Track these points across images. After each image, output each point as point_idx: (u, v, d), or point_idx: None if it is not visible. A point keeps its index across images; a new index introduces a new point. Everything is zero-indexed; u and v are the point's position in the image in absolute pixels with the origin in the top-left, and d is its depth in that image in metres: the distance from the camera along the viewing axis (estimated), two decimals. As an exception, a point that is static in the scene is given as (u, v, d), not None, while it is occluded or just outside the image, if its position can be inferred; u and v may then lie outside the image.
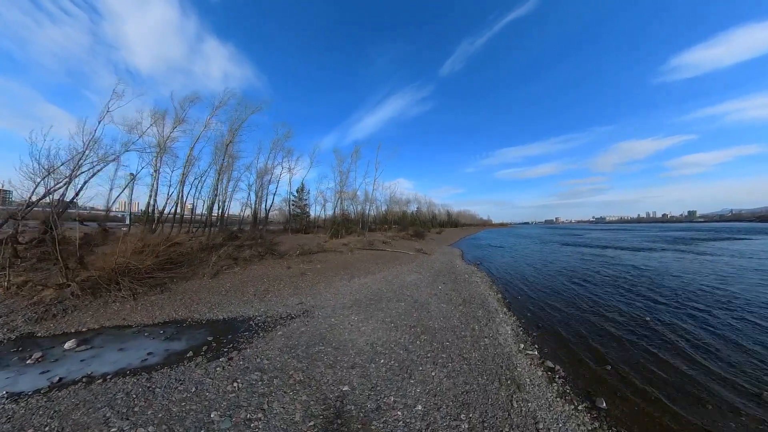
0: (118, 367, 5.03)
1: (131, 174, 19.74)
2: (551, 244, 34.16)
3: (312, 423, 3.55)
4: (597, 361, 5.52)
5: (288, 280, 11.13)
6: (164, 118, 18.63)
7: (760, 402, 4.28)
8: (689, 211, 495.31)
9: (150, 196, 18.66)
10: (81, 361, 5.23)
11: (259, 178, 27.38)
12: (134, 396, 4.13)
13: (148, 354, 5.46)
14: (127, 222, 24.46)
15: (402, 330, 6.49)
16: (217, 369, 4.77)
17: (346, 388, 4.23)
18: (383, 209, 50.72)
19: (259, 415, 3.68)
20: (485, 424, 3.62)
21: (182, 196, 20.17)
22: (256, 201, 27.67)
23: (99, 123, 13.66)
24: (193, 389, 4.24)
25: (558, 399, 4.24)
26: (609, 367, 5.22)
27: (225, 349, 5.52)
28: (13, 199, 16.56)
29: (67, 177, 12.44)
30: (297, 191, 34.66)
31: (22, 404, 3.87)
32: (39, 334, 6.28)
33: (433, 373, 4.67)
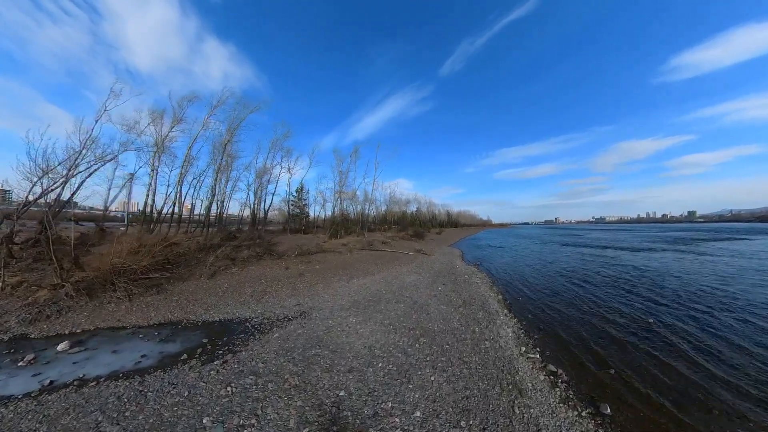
0: (111, 369, 4.94)
1: (131, 174, 19.64)
2: (551, 244, 34.05)
3: (307, 430, 3.44)
4: (600, 364, 5.41)
5: (286, 280, 11.01)
6: (162, 117, 18.55)
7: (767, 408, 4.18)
8: (689, 212, 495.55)
9: (147, 195, 18.56)
10: (74, 363, 5.14)
11: (258, 177, 27.31)
12: (126, 400, 4.02)
13: (142, 356, 5.37)
14: (126, 222, 24.36)
15: (401, 332, 6.37)
16: (211, 372, 4.66)
17: (342, 393, 4.12)
18: (383, 209, 50.63)
19: (253, 421, 3.57)
20: (486, 432, 3.51)
21: (180, 195, 20.07)
22: (255, 201, 27.59)
23: (96, 122, 13.56)
24: (186, 393, 4.13)
25: (561, 405, 4.12)
26: (612, 371, 5.11)
27: (220, 352, 5.41)
28: (12, 198, 16.46)
29: (63, 176, 12.34)
30: (296, 191, 34.56)
31: (11, 408, 3.77)
32: (32, 336, 6.19)
33: (432, 378, 4.55)
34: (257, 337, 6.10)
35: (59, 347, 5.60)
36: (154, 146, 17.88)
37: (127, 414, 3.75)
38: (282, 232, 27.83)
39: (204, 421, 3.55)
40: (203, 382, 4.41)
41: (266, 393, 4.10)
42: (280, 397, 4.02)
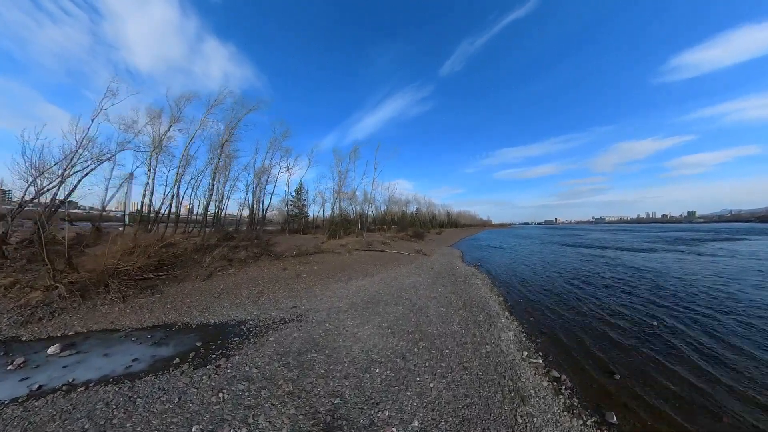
0: (101, 374, 4.82)
1: (130, 173, 19.49)
2: (551, 244, 33.91)
3: (300, 440, 3.30)
4: (604, 369, 5.26)
5: (283, 282, 10.86)
6: (160, 116, 18.39)
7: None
8: (689, 212, 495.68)
9: (144, 195, 18.40)
10: (63, 367, 5.03)
11: (257, 177, 27.14)
12: (114, 406, 3.90)
13: (134, 360, 5.25)
14: (126, 222, 24.22)
15: (399, 336, 6.22)
16: (203, 378, 4.52)
17: (338, 400, 3.97)
18: (382, 209, 50.47)
19: (244, 429, 3.43)
20: (487, 443, 3.37)
21: (178, 195, 19.92)
22: (253, 201, 27.43)
23: (92, 121, 13.43)
24: (176, 400, 3.99)
25: (565, 413, 3.96)
26: (617, 377, 4.96)
27: (213, 356, 5.28)
28: (12, 198, 16.34)
29: (59, 176, 12.22)
30: (295, 191, 34.46)
31: (-4, 414, 3.64)
32: (24, 338, 6.07)
33: (431, 385, 4.40)
34: (252, 340, 5.95)
35: (49, 350, 5.48)
36: (152, 146, 17.73)
37: (114, 421, 3.62)
38: (280, 233, 27.70)
39: (193, 430, 3.42)
40: (195, 387, 4.27)
41: (259, 400, 3.96)
42: (273, 404, 3.87)
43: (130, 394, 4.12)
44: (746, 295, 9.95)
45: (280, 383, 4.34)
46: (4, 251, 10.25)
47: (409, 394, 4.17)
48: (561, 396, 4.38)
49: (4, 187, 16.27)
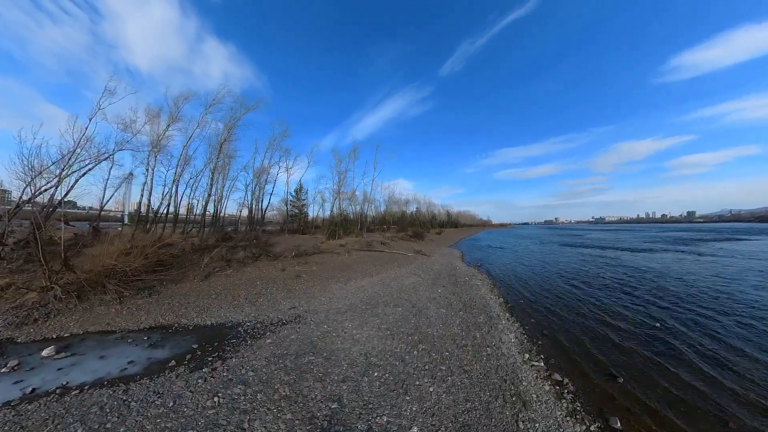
0: (96, 377, 4.76)
1: (130, 173, 19.40)
2: (551, 244, 33.84)
3: (296, 447, 3.22)
4: (606, 372, 5.17)
5: (282, 282, 10.78)
6: (159, 116, 18.28)
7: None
8: (689, 212, 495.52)
9: (142, 195, 18.30)
10: (58, 369, 4.97)
11: (256, 177, 27.03)
12: (108, 410, 3.82)
13: (129, 362, 5.18)
14: (125, 222, 24.13)
15: (398, 338, 6.14)
16: (199, 381, 4.44)
17: (335, 405, 3.88)
18: (382, 209, 50.35)
19: (239, 436, 3.35)
20: (488, 449, 3.29)
21: (177, 195, 19.82)
22: (252, 201, 27.33)
23: (90, 121, 13.33)
24: (171, 404, 3.92)
25: (568, 418, 3.88)
26: (621, 380, 4.87)
27: (209, 359, 5.20)
28: (12, 198, 16.26)
29: (56, 176, 12.13)
30: (295, 191, 34.35)
31: (-13, 419, 3.57)
32: (19, 340, 6.02)
33: (431, 389, 4.31)
34: (249, 342, 5.87)
35: (44, 353, 5.42)
36: (150, 145, 17.64)
37: (108, 426, 3.55)
38: (280, 233, 27.60)
39: (187, 436, 3.34)
40: (190, 391, 4.19)
41: (255, 404, 3.88)
42: (269, 409, 3.80)
43: (124, 398, 4.05)
44: (747, 296, 9.89)
45: (276, 387, 4.26)
46: (0, 252, 10.17)
47: (408, 398, 4.08)
48: (563, 400, 4.30)
49: (3, 188, 16.19)
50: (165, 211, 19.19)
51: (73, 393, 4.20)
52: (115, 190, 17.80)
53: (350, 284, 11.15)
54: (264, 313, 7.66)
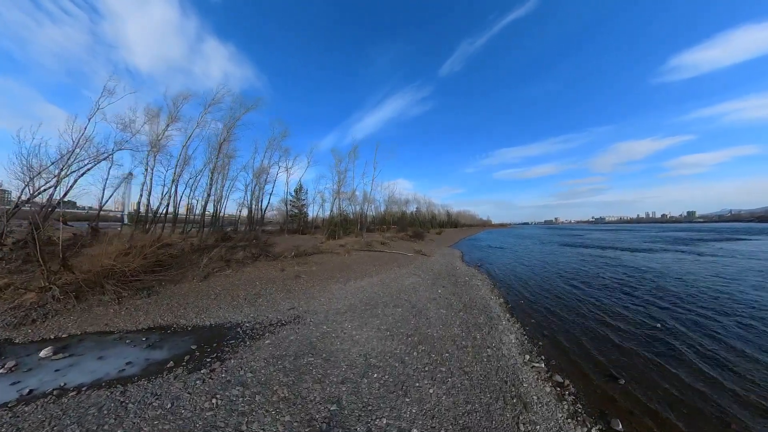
0: (94, 378, 4.73)
1: (129, 173, 19.37)
2: (552, 244, 33.81)
3: (294, 450, 3.18)
4: (607, 374, 5.14)
5: (281, 283, 10.75)
6: (158, 115, 18.25)
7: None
8: (688, 212, 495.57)
9: (141, 195, 18.26)
10: (56, 371, 4.94)
11: (256, 177, 27.00)
12: (105, 412, 3.79)
13: (127, 363, 5.15)
14: (125, 222, 24.08)
15: (398, 339, 6.10)
16: (197, 382, 4.41)
17: (334, 407, 3.85)
18: (382, 209, 50.32)
19: (237, 438, 3.32)
20: (488, 452, 3.25)
21: (176, 195, 19.79)
22: (252, 201, 27.29)
23: (89, 120, 13.29)
24: (169, 405, 3.89)
25: (569, 420, 3.84)
26: (622, 381, 4.84)
27: (208, 360, 5.16)
28: (12, 199, 16.23)
29: (55, 176, 12.10)
30: (295, 191, 34.33)
31: (-17, 420, 3.55)
32: (17, 341, 5.99)
33: (431, 391, 4.27)
34: (248, 343, 5.84)
35: (42, 353, 5.39)
36: (149, 145, 17.60)
37: (105, 428, 3.53)
38: (279, 233, 27.57)
39: (184, 438, 3.31)
40: (188, 393, 4.16)
41: (253, 406, 3.84)
42: (267, 411, 3.76)
43: (122, 400, 4.02)
44: (747, 296, 9.87)
45: (275, 388, 4.23)
46: (-3, 252, 10.13)
47: (407, 400, 4.05)
48: (564, 402, 4.26)
49: (3, 188, 16.15)
50: (164, 211, 19.17)
51: (70, 394, 4.17)
52: (114, 190, 17.78)
53: (350, 284, 11.11)
54: (263, 314, 7.62)
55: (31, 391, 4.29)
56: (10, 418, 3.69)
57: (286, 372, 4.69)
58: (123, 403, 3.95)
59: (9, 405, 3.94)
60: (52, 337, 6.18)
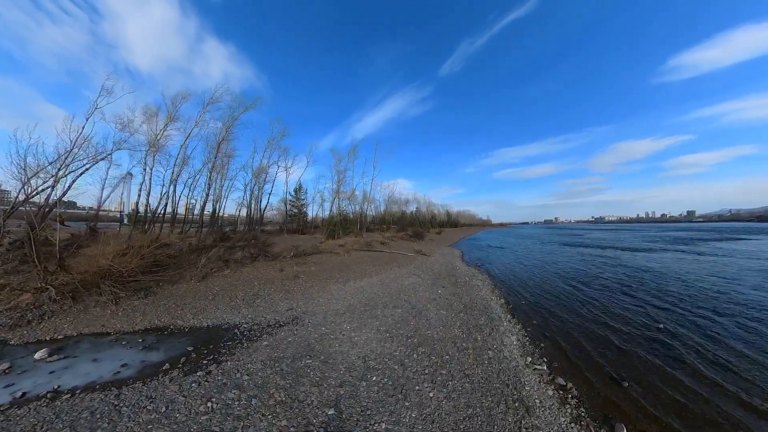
0: (88, 380, 4.66)
1: (129, 173, 19.26)
2: (552, 244, 33.72)
3: (291, 456, 3.10)
4: (610, 376, 5.05)
5: (280, 283, 10.66)
6: (157, 115, 18.14)
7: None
8: (688, 211, 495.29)
9: (139, 195, 18.16)
10: (50, 373, 4.88)
11: (255, 177, 26.89)
12: (98, 416, 3.71)
13: (122, 366, 5.09)
14: (125, 222, 23.99)
15: (398, 341, 6.02)
16: (193, 385, 4.33)
17: (332, 411, 3.77)
18: (382, 209, 50.21)
19: (232, 444, 3.24)
20: (490, 458, 3.17)
21: (175, 195, 19.69)
22: (251, 200, 27.18)
23: (87, 120, 13.18)
24: (163, 409, 3.81)
25: (573, 425, 3.76)
26: (625, 384, 4.76)
27: (204, 362, 5.09)
28: (11, 199, 16.14)
29: (53, 176, 12.00)
30: (294, 191, 34.23)
31: (-26, 425, 3.48)
32: (12, 342, 5.93)
33: (431, 394, 4.19)
34: (245, 345, 5.76)
35: (37, 355, 5.32)
36: (148, 145, 17.50)
37: (98, 432, 3.43)
38: (279, 233, 27.47)
39: (178, 444, 3.23)
40: (183, 396, 4.08)
41: (249, 410, 3.76)
42: (263, 415, 3.68)
43: (115, 403, 3.96)
44: (747, 297, 9.80)
45: (272, 392, 4.15)
46: (-6, 252, 10.05)
47: (407, 404, 3.97)
48: (567, 406, 4.18)
49: (1, 188, 16.06)
50: (163, 211, 19.08)
51: (64, 397, 4.11)
52: (113, 190, 17.67)
53: (349, 285, 11.03)
54: (261, 315, 7.54)
55: (24, 393, 4.23)
56: (2, 421, 3.63)
57: (283, 375, 4.61)
58: (117, 407, 3.88)
59: (2, 408, 3.88)
60: (47, 338, 6.12)
